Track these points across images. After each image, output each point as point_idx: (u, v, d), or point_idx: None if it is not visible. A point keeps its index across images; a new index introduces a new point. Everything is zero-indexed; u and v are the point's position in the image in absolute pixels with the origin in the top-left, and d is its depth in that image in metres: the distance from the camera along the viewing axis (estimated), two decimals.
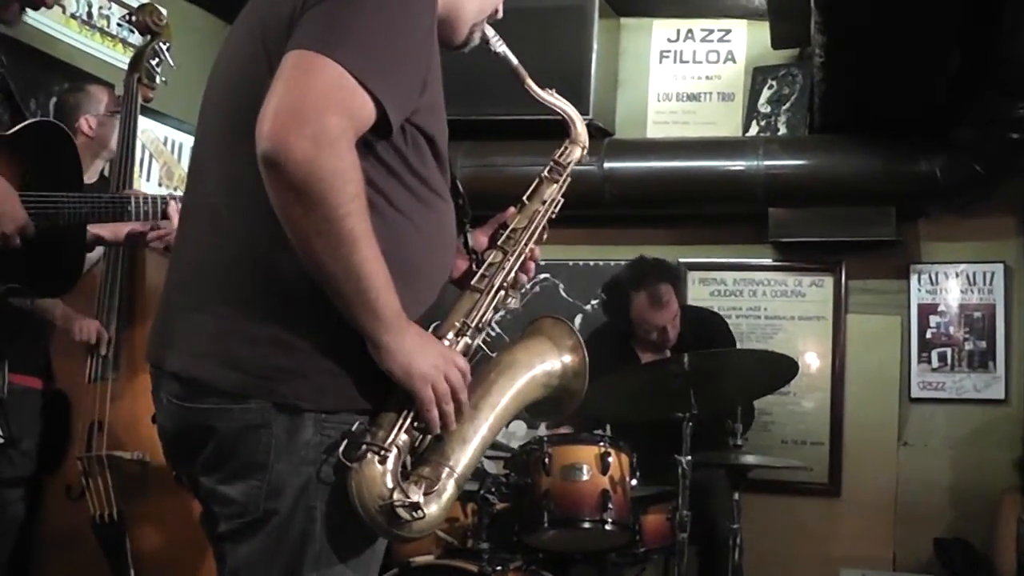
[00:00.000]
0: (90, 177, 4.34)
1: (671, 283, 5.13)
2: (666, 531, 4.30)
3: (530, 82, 2.47)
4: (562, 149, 2.51)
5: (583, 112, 5.75)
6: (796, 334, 6.20)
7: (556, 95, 2.51)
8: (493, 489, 4.06)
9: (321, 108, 1.87)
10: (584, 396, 2.40)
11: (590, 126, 5.87)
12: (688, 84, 6.49)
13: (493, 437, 2.25)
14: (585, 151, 2.54)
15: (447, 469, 2.11)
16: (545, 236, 2.43)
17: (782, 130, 6.21)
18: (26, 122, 3.15)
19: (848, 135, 5.80)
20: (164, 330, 2.17)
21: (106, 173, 4.64)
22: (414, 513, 2.01)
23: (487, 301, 2.28)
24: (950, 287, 6.03)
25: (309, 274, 1.95)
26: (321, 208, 1.87)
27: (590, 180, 5.93)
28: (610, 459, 4.11)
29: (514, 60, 2.44)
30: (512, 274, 2.35)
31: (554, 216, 2.46)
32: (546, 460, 4.10)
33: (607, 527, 4.06)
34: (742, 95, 6.40)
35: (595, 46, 5.96)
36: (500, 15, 2.42)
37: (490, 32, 2.40)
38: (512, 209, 2.45)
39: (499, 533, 4.12)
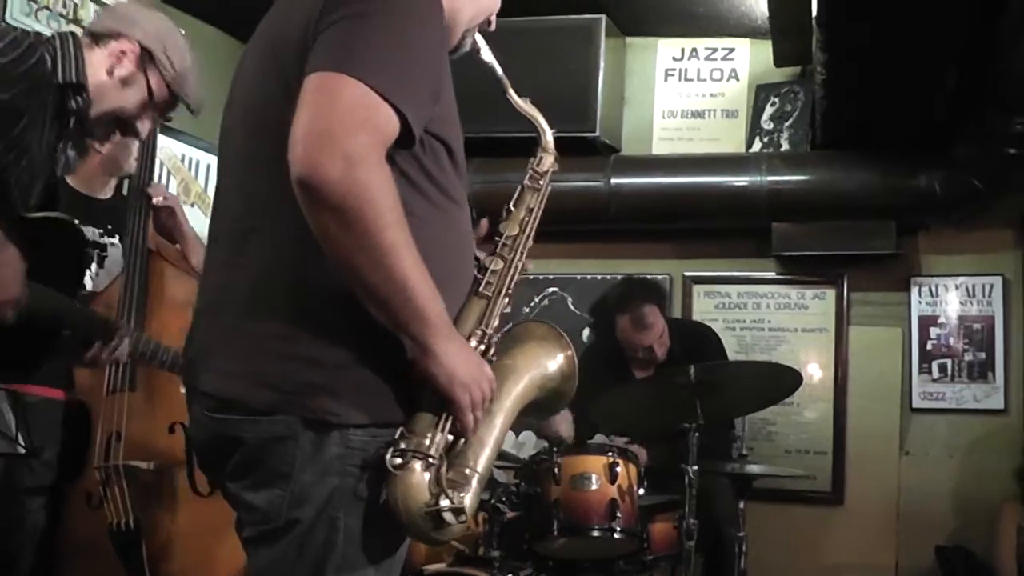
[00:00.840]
0: (104, 193, 4.35)
1: (655, 303, 5.12)
2: (673, 539, 4.29)
3: (511, 91, 2.47)
4: (537, 158, 2.51)
5: (589, 129, 5.84)
6: (799, 346, 6.19)
7: (531, 104, 2.51)
8: (504, 498, 4.06)
9: (349, 127, 1.88)
10: (574, 395, 2.44)
11: (597, 143, 5.96)
12: (692, 101, 6.49)
13: (504, 438, 2.27)
14: (556, 159, 2.54)
15: (469, 470, 2.13)
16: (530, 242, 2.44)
17: (785, 146, 6.21)
18: (46, 214, 3.10)
19: (849, 151, 5.79)
20: (197, 351, 2.18)
21: (124, 191, 4.65)
22: (459, 517, 2.04)
23: (496, 307, 2.30)
24: (950, 299, 6.02)
25: (340, 292, 1.96)
26: (360, 224, 1.87)
27: (597, 195, 5.95)
28: (618, 469, 4.11)
29: (499, 70, 2.45)
30: (514, 279, 2.36)
31: (537, 223, 2.48)
32: (556, 470, 4.09)
33: (615, 535, 4.06)
34: (745, 112, 6.40)
35: (602, 65, 5.97)
36: (492, 27, 2.45)
37: (480, 41, 2.42)
38: (485, 221, 2.45)
39: (510, 541, 4.11)
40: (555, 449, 4.20)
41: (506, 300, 2.34)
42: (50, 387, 3.98)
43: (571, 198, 5.68)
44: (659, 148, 6.47)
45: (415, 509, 2.01)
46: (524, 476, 4.24)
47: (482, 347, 2.20)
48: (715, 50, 6.46)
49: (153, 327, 4.05)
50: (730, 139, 6.39)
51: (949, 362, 5.99)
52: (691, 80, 6.49)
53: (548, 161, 2.51)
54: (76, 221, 3.29)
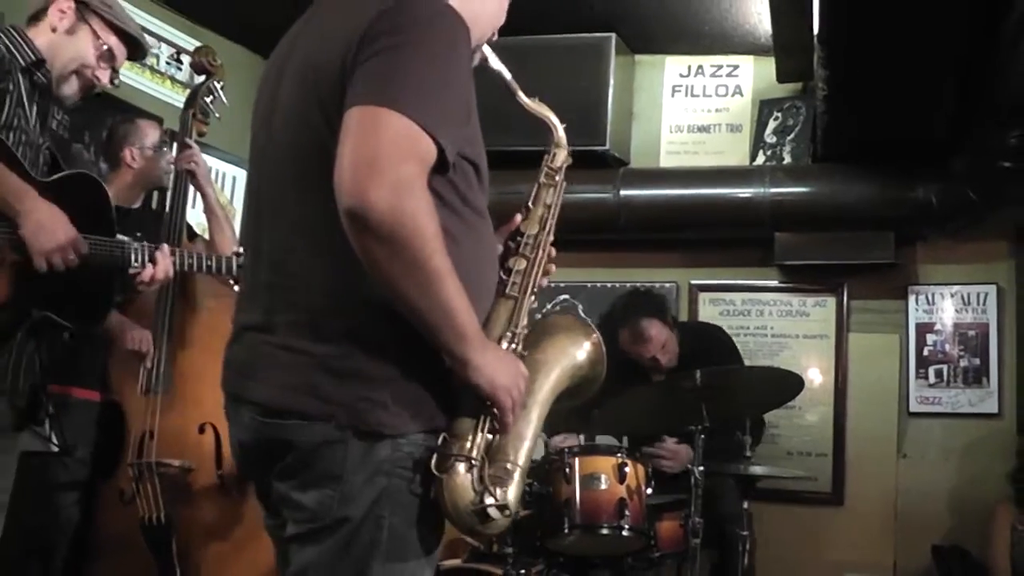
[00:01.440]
0: (134, 203, 4.39)
1: (655, 316, 5.10)
2: (679, 537, 4.30)
3: (520, 94, 2.50)
4: (550, 155, 2.54)
5: (599, 143, 5.86)
6: (800, 351, 6.19)
7: (541, 104, 2.53)
8: None
9: (394, 158, 1.91)
10: (603, 383, 2.48)
11: (607, 156, 5.98)
12: (698, 116, 6.50)
13: (540, 429, 2.31)
14: (568, 153, 2.56)
15: (510, 464, 2.18)
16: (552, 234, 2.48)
17: (787, 159, 6.21)
18: (65, 172, 3.22)
19: (849, 164, 5.80)
20: (244, 365, 2.20)
21: (153, 203, 4.69)
22: (504, 512, 2.12)
23: (524, 306, 2.33)
24: (946, 307, 6.02)
25: (385, 310, 2.00)
26: (408, 251, 1.91)
27: (607, 206, 5.97)
28: (627, 469, 4.13)
29: (508, 75, 2.49)
30: (538, 278, 2.40)
31: (556, 219, 2.48)
32: (567, 470, 4.11)
33: (624, 533, 4.07)
34: (749, 126, 6.41)
35: (612, 81, 5.99)
36: (496, 38, 2.48)
37: (488, 51, 2.46)
38: (519, 216, 2.49)
39: (523, 538, 4.13)
40: (568, 450, 4.22)
41: (532, 298, 2.39)
42: (87, 389, 4.03)
43: (582, 209, 5.69)
44: (666, 161, 6.48)
45: (462, 508, 2.09)
46: (537, 476, 4.25)
47: (513, 346, 2.25)
48: (720, 67, 6.48)
49: (186, 332, 4.09)
50: (735, 152, 6.39)
51: (945, 368, 5.99)
52: (697, 96, 6.50)
53: (561, 156, 2.53)
54: (98, 179, 3.38)
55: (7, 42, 3.13)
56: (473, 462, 2.09)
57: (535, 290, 2.38)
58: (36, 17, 3.25)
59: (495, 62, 2.48)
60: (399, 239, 1.89)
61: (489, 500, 2.09)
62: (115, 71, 3.35)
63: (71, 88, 3.27)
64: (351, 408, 2.02)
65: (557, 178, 2.51)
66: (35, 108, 3.16)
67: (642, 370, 5.11)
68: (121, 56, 3.35)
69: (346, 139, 1.94)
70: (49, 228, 2.95)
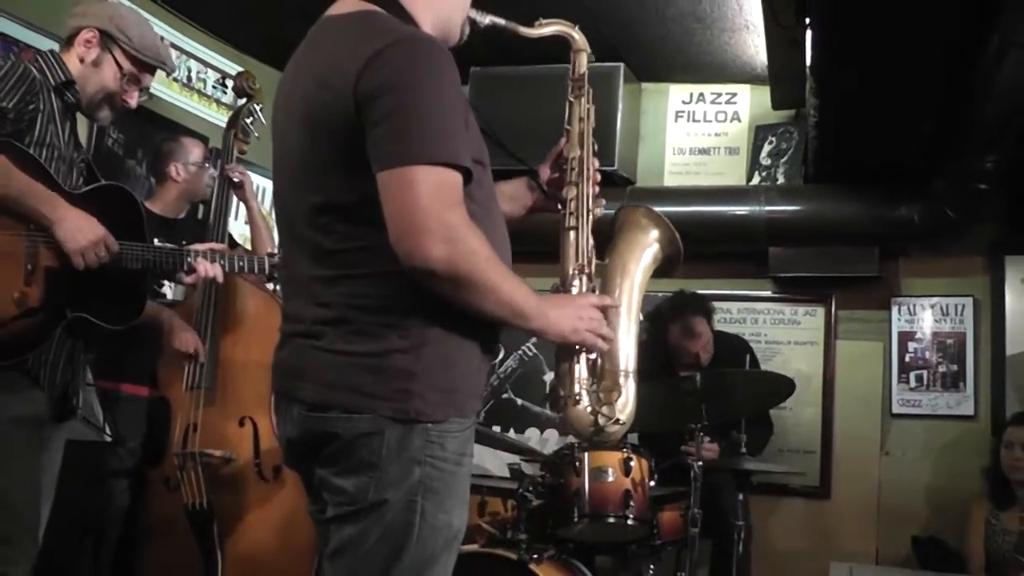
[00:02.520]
0: (179, 214, 4.41)
1: (704, 316, 5.15)
2: (680, 526, 4.28)
3: (522, 29, 2.49)
4: (571, 64, 2.51)
5: (609, 164, 5.84)
6: (792, 357, 6.16)
7: (544, 22, 2.52)
8: (531, 488, 4.08)
9: (437, 211, 1.98)
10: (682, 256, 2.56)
11: (615, 175, 5.97)
12: (699, 140, 6.49)
13: (638, 323, 2.45)
14: (589, 52, 2.55)
15: (622, 373, 2.35)
16: (596, 147, 2.52)
17: (780, 180, 6.18)
18: (96, 184, 3.24)
19: (838, 184, 5.78)
20: (292, 368, 2.22)
21: (199, 214, 4.71)
22: (619, 424, 2.33)
23: (585, 232, 2.40)
24: (926, 317, 6.00)
25: (419, 313, 2.07)
26: (471, 283, 2.03)
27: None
28: (632, 463, 4.11)
29: (502, 21, 2.47)
30: (591, 198, 2.45)
31: (595, 126, 2.52)
32: (577, 463, 4.09)
33: (629, 522, 4.05)
34: (746, 149, 6.39)
35: (620, 107, 5.98)
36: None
37: (473, 12, 2.42)
38: (562, 140, 2.52)
39: (535, 526, 4.12)
40: (577, 445, 4.21)
41: (592, 217, 2.43)
42: (137, 384, 4.04)
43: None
44: (670, 181, 6.46)
45: (583, 432, 2.31)
46: (549, 468, 4.25)
47: (585, 276, 2.38)
48: (720, 95, 6.46)
49: (227, 333, 4.09)
50: (732, 173, 6.38)
51: (925, 373, 5.96)
52: (698, 121, 6.49)
53: (583, 60, 2.52)
54: (129, 190, 3.38)
55: (41, 63, 3.16)
56: (578, 397, 2.27)
57: (592, 210, 2.43)
58: (69, 41, 3.28)
59: (484, 18, 2.44)
60: (462, 277, 2.02)
61: (602, 420, 2.28)
62: (143, 90, 3.37)
63: (103, 112, 3.32)
64: (391, 400, 2.06)
65: (584, 87, 2.50)
66: (67, 126, 3.19)
67: (669, 366, 5.10)
68: (146, 79, 3.36)
69: (389, 205, 2.00)
70: (81, 229, 2.97)
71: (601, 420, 2.27)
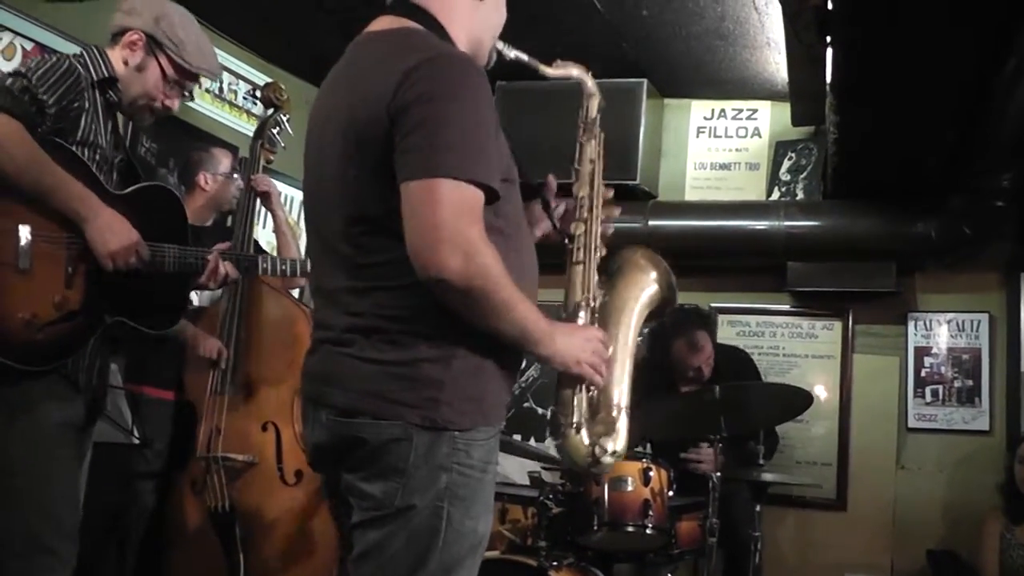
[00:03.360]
0: (206, 222, 4.40)
1: (706, 330, 5.13)
2: (697, 536, 4.27)
3: (542, 67, 2.49)
4: (583, 108, 2.51)
5: (631, 178, 5.83)
6: (809, 370, 6.12)
7: (561, 63, 2.51)
8: (551, 496, 4.06)
9: (456, 225, 1.97)
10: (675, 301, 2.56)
11: (637, 190, 5.95)
12: (720, 155, 6.46)
13: (632, 361, 2.42)
14: (601, 97, 2.54)
15: (616, 408, 2.34)
16: (606, 191, 2.50)
17: (800, 195, 6.16)
18: (139, 184, 3.15)
19: (856, 200, 5.74)
20: (321, 374, 2.21)
21: (228, 223, 4.70)
22: (614, 456, 2.31)
23: (591, 268, 2.40)
24: (942, 333, 5.95)
25: (446, 325, 2.06)
26: (484, 298, 2.02)
27: (636, 236, 5.90)
28: (651, 473, 4.09)
29: (525, 57, 2.47)
30: (598, 233, 2.44)
31: (605, 168, 2.50)
32: None
33: (647, 531, 4.04)
34: (766, 165, 6.36)
35: (643, 122, 5.95)
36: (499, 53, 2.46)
37: (500, 45, 2.43)
38: (551, 176, 2.53)
39: (555, 534, 4.10)
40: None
41: (599, 255, 2.42)
42: (163, 389, 4.04)
43: (614, 237, 5.65)
44: (691, 195, 6.43)
45: (580, 462, 2.30)
46: (569, 477, 4.23)
47: (591, 309, 2.36)
48: (741, 111, 6.44)
49: (251, 340, 4.09)
50: (752, 188, 6.35)
51: (941, 388, 5.92)
52: (719, 137, 6.46)
53: (595, 105, 2.52)
54: (172, 191, 3.33)
55: (85, 58, 3.05)
56: (578, 425, 2.27)
57: (598, 247, 2.42)
58: (115, 38, 3.16)
59: (509, 51, 2.45)
60: (476, 292, 2.00)
61: (599, 451, 2.27)
62: (185, 94, 3.26)
63: (143, 115, 3.22)
64: (418, 408, 2.06)
65: (595, 129, 2.50)
66: (110, 124, 3.10)
67: (670, 381, 5.08)
68: (189, 85, 3.25)
69: (411, 217, 1.99)
70: (111, 231, 2.89)
71: (598, 451, 2.27)
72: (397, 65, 2.06)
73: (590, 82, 2.54)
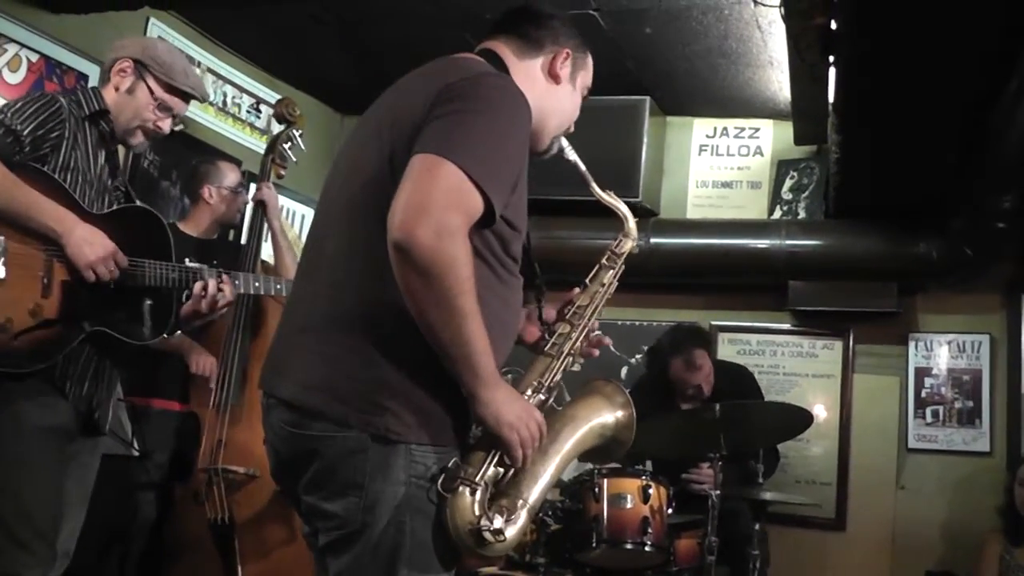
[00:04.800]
0: (211, 235, 4.43)
1: (703, 348, 5.14)
2: (697, 554, 4.29)
3: (594, 185, 2.55)
4: (617, 241, 2.57)
5: (633, 195, 5.86)
6: (809, 389, 6.14)
7: (613, 196, 2.59)
8: (550, 512, 4.09)
9: (443, 205, 1.95)
10: (631, 445, 2.44)
11: (639, 207, 5.98)
12: (722, 173, 6.48)
13: (558, 476, 2.31)
14: (636, 244, 2.60)
15: (522, 501, 2.18)
16: (601, 312, 2.50)
17: (801, 214, 6.19)
18: (120, 206, 3.30)
19: (858, 220, 5.77)
20: (278, 364, 2.22)
21: (229, 236, 4.73)
22: (497, 537, 2.09)
23: (558, 365, 2.36)
24: (943, 354, 5.97)
25: (409, 332, 2.01)
26: (439, 287, 1.95)
27: (637, 253, 5.93)
28: (651, 490, 4.12)
29: (583, 167, 2.54)
30: (578, 343, 2.42)
31: (611, 297, 2.53)
32: (596, 489, 4.11)
33: (646, 548, 4.07)
34: (768, 184, 6.39)
35: (645, 139, 5.98)
36: (572, 130, 2.53)
37: (565, 143, 2.51)
38: (576, 290, 2.51)
39: (554, 550, 4.13)
40: (597, 471, 4.21)
41: (570, 360, 2.39)
42: (167, 399, 4.07)
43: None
44: (692, 213, 6.45)
45: (461, 526, 2.08)
46: (568, 494, 4.25)
47: (540, 396, 2.28)
48: (743, 129, 6.47)
49: (256, 352, 4.11)
50: (754, 207, 6.38)
51: (941, 409, 5.93)
52: (721, 155, 6.49)
53: (627, 245, 2.56)
54: (155, 213, 3.42)
55: (78, 95, 3.26)
56: (476, 488, 2.10)
57: (573, 353, 2.40)
58: (106, 76, 3.38)
59: (571, 154, 2.53)
60: (434, 274, 1.93)
61: (485, 523, 2.07)
62: (175, 117, 3.42)
63: (137, 139, 3.38)
64: (362, 410, 2.04)
65: (618, 263, 2.54)
66: (101, 154, 3.27)
67: (670, 399, 5.10)
68: (178, 106, 3.41)
69: (406, 181, 1.98)
70: (88, 244, 3.03)
71: (484, 523, 2.07)
72: (442, 79, 2.12)
73: (631, 224, 2.59)
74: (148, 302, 3.26)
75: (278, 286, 3.79)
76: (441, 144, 2.00)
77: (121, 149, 3.44)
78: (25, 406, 3.02)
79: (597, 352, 2.53)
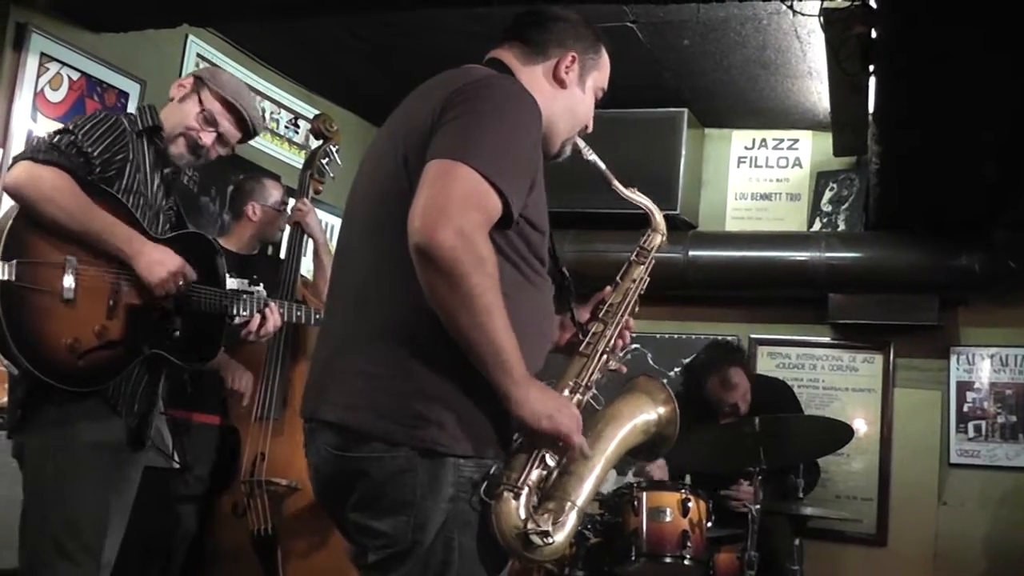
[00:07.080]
0: (252, 251, 4.47)
1: (740, 365, 5.14)
2: (736, 568, 4.28)
3: (616, 183, 2.55)
4: (645, 236, 2.57)
5: (671, 208, 5.87)
6: (849, 404, 6.13)
7: (637, 192, 2.59)
8: (589, 526, 4.10)
9: (462, 207, 1.96)
10: (675, 441, 2.45)
11: (677, 220, 6.00)
12: (761, 185, 6.50)
13: (604, 475, 2.30)
14: (664, 237, 2.60)
15: (570, 503, 2.17)
16: (636, 309, 2.51)
17: (841, 226, 6.20)
18: (182, 231, 3.37)
19: (899, 232, 5.77)
20: (319, 388, 2.22)
21: (268, 251, 4.78)
22: (545, 539, 2.08)
23: (593, 364, 2.35)
24: (985, 367, 5.95)
25: (444, 341, 2.02)
26: (464, 287, 1.95)
27: (676, 265, 5.96)
28: (690, 504, 4.12)
29: (602, 166, 2.53)
30: (612, 341, 2.42)
31: (643, 292, 2.53)
32: (635, 503, 4.12)
33: (686, 562, 4.06)
34: (807, 196, 6.40)
35: (683, 152, 6.02)
36: (590, 129, 2.53)
37: (581, 144, 2.51)
38: (608, 288, 2.52)
39: (593, 563, 4.14)
40: (636, 485, 4.22)
41: (605, 358, 2.40)
42: (208, 414, 4.11)
43: (654, 267, 5.69)
44: (731, 225, 6.48)
45: (508, 532, 2.07)
46: (608, 507, 4.26)
47: (578, 396, 2.27)
48: (782, 141, 6.48)
49: (298, 365, 4.15)
50: (794, 219, 6.39)
51: (983, 423, 5.91)
52: (760, 167, 6.51)
53: (656, 240, 2.57)
54: (211, 239, 3.52)
55: (136, 114, 3.33)
56: (520, 492, 2.09)
57: (608, 351, 2.40)
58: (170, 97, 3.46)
59: (589, 154, 2.53)
60: (457, 275, 1.94)
61: (532, 526, 2.06)
62: (220, 136, 3.43)
63: (178, 148, 3.38)
64: (406, 424, 2.05)
65: (648, 258, 2.55)
66: (158, 174, 3.32)
67: (711, 413, 5.10)
68: (225, 121, 3.41)
69: (422, 187, 2.00)
70: (160, 262, 3.11)
71: (531, 526, 2.06)
72: (451, 85, 2.15)
73: (658, 218, 2.60)
74: (200, 327, 3.33)
75: (317, 315, 3.86)
76: (454, 148, 2.02)
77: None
78: (80, 424, 3.08)
79: (623, 344, 2.48)
